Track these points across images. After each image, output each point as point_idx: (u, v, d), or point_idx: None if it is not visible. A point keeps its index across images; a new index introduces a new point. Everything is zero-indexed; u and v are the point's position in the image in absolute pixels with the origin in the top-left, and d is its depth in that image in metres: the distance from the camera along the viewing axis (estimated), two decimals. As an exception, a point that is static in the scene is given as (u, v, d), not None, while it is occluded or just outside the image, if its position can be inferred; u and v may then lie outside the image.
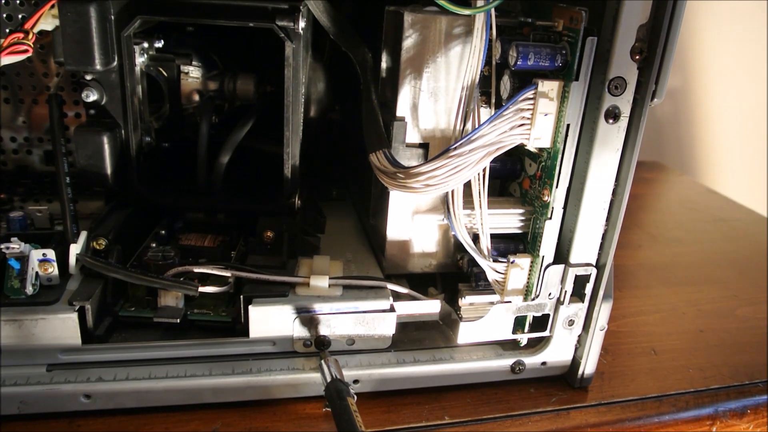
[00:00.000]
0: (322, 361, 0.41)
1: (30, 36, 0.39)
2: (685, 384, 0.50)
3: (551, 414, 0.45)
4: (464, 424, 0.44)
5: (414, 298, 0.47)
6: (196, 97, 0.52)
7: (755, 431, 0.48)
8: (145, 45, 0.47)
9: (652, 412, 0.47)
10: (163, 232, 0.49)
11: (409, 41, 0.43)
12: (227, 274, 0.43)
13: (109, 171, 0.45)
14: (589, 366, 0.47)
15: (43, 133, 0.53)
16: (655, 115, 1.20)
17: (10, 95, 0.50)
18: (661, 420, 0.46)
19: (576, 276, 0.44)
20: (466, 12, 0.40)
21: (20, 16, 0.47)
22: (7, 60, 0.38)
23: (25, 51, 0.39)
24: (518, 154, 0.47)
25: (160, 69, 0.50)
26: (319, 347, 0.43)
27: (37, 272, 0.41)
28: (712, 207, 0.94)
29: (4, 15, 0.47)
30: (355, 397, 0.39)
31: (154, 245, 0.47)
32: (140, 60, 0.46)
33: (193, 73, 0.52)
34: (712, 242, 0.81)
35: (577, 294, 0.45)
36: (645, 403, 0.47)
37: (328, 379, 0.40)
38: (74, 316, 0.40)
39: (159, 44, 0.49)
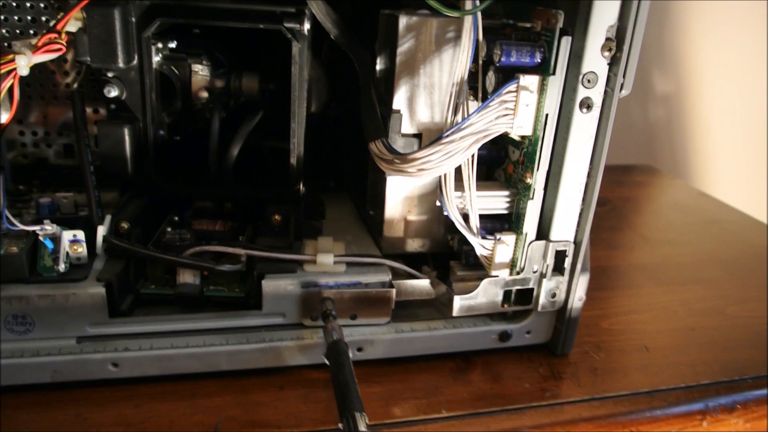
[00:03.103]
0: (327, 326, 0.45)
1: (62, 36, 0.43)
2: (676, 380, 0.51)
3: (546, 408, 0.47)
4: (461, 418, 0.45)
5: (410, 274, 0.51)
6: (205, 94, 0.56)
7: (744, 426, 0.49)
8: (160, 45, 0.51)
9: (644, 407, 0.48)
10: (176, 218, 0.53)
11: (403, 42, 0.48)
12: (242, 252, 0.48)
13: (128, 161, 0.49)
14: (569, 335, 0.52)
15: (60, 129, 0.56)
16: (647, 119, 1.19)
17: (32, 92, 0.54)
18: (652, 415, 0.47)
19: (556, 251, 0.49)
20: (456, 14, 0.44)
21: (43, 19, 0.51)
22: (43, 58, 0.42)
23: (59, 50, 0.42)
24: (503, 142, 0.51)
25: (173, 68, 0.53)
26: (325, 319, 0.47)
27: (67, 252, 0.45)
28: (703, 209, 0.94)
29: (29, 18, 0.50)
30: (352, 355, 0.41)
31: (169, 230, 0.51)
32: (156, 59, 0.50)
33: (202, 72, 0.55)
34: (703, 244, 0.81)
35: (558, 269, 0.50)
36: (637, 398, 0.48)
37: (330, 342, 0.43)
38: (103, 291, 0.44)
39: (172, 45, 0.53)
